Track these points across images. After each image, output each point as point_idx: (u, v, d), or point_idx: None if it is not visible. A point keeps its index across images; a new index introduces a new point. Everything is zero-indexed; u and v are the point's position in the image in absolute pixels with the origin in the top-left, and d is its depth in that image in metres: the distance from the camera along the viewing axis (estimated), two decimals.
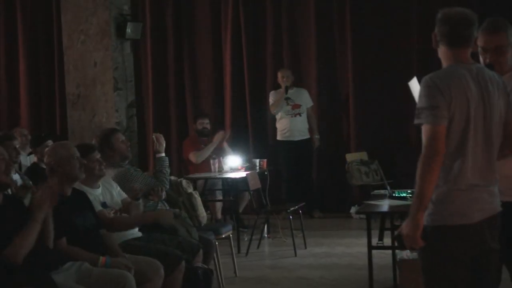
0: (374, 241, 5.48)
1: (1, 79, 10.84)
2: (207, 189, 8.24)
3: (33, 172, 6.24)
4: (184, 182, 6.15)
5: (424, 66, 8.72)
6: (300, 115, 9.28)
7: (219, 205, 8.54)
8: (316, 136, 9.41)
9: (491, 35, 3.67)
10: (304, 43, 9.78)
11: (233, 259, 6.50)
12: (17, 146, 6.03)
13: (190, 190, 6.12)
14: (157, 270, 4.43)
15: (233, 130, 9.82)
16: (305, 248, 7.53)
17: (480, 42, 3.67)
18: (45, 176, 4.50)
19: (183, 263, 4.73)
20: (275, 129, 9.52)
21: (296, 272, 6.61)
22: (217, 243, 5.90)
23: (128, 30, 9.45)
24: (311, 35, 9.69)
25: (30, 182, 5.56)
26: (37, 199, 3.86)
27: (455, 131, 3.04)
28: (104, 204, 4.84)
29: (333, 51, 9.70)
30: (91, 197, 4.66)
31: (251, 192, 7.89)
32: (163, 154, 5.83)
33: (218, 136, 8.73)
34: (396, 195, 5.49)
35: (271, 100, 9.32)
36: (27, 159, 7.52)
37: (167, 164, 5.79)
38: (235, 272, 6.47)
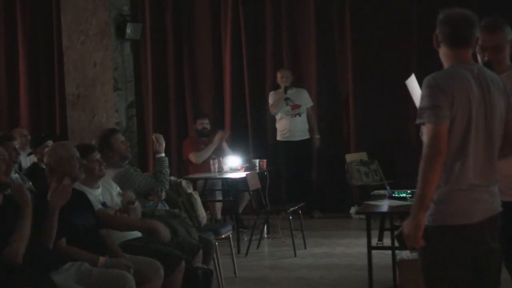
0: (374, 241, 5.48)
1: (1, 79, 10.85)
2: (207, 190, 8.24)
3: (33, 172, 6.24)
4: (183, 182, 6.15)
5: (424, 66, 8.73)
6: (300, 115, 9.28)
7: (219, 206, 8.54)
8: (317, 136, 9.41)
9: (489, 34, 3.68)
10: (304, 43, 9.79)
11: (232, 259, 6.50)
12: (17, 146, 6.03)
13: (190, 190, 6.11)
14: (157, 271, 4.43)
15: (233, 130, 9.82)
16: (305, 248, 7.54)
17: (478, 41, 3.68)
18: (45, 177, 4.50)
19: (183, 263, 4.73)
20: (274, 129, 9.52)
21: (296, 273, 6.61)
22: (216, 243, 5.90)
23: (128, 30, 9.45)
24: (311, 35, 9.70)
25: (30, 183, 5.56)
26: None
27: (457, 131, 3.04)
28: (104, 204, 4.84)
29: (332, 51, 9.70)
30: (90, 197, 4.66)
31: (251, 193, 7.90)
32: (163, 155, 5.83)
33: (218, 137, 8.73)
34: (396, 195, 5.48)
35: (270, 100, 9.32)
36: (27, 160, 7.52)
37: (167, 165, 5.79)
38: (234, 272, 6.47)
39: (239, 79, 9.97)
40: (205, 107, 10.08)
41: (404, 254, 5.45)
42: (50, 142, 6.28)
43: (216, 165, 8.33)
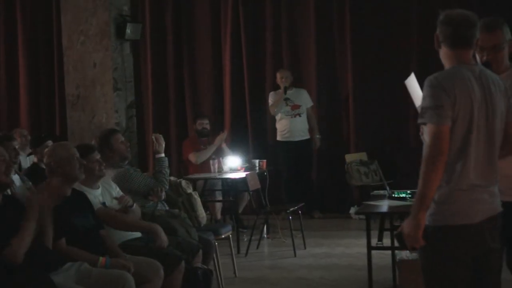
0: (374, 241, 5.47)
1: (1, 80, 10.85)
2: (207, 190, 8.25)
3: (33, 172, 6.24)
4: (183, 182, 6.15)
5: (424, 66, 8.73)
6: (300, 116, 9.28)
7: (218, 206, 8.55)
8: (317, 136, 9.41)
9: (488, 33, 3.69)
10: (304, 43, 9.79)
11: (232, 259, 6.50)
12: (17, 146, 6.02)
13: (190, 190, 6.11)
14: (157, 271, 4.43)
15: (233, 131, 9.83)
16: (305, 248, 7.54)
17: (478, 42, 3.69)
18: (45, 177, 4.51)
19: (183, 263, 4.73)
20: (274, 129, 9.52)
21: (296, 273, 6.61)
22: (216, 243, 5.90)
23: (128, 30, 9.45)
24: (311, 35, 9.70)
25: (30, 183, 5.56)
26: (36, 199, 3.86)
27: (459, 131, 3.05)
28: (103, 205, 4.84)
29: (332, 51, 9.70)
30: (90, 197, 4.67)
31: (251, 193, 7.90)
32: (163, 155, 5.83)
33: (219, 138, 8.73)
34: (396, 195, 5.48)
35: (270, 101, 9.33)
36: (26, 160, 7.52)
37: (167, 165, 5.79)
38: (234, 272, 6.47)
39: (239, 79, 9.98)
40: (205, 107, 10.08)
41: (404, 254, 5.45)
42: (50, 142, 6.28)
43: (216, 165, 8.34)
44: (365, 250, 5.29)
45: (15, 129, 8.49)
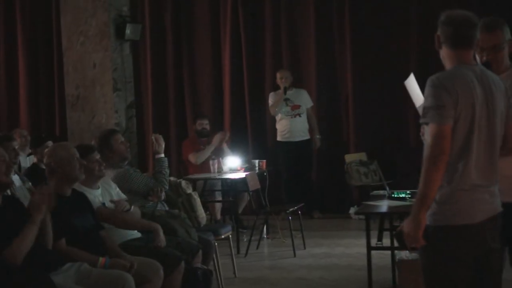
0: (373, 241, 5.48)
1: (1, 80, 10.85)
2: (207, 190, 8.25)
3: (33, 173, 6.24)
4: (183, 182, 6.15)
5: (424, 66, 8.74)
6: (300, 116, 9.28)
7: (218, 206, 8.55)
8: (317, 136, 9.41)
9: (488, 33, 3.70)
10: (304, 43, 9.79)
11: (232, 259, 6.50)
12: (16, 147, 6.02)
13: (190, 190, 6.11)
14: (157, 271, 4.43)
15: (232, 131, 9.82)
16: (304, 248, 7.54)
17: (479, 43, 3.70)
18: (45, 177, 4.51)
19: (183, 263, 4.73)
20: (274, 129, 9.52)
21: (295, 273, 6.61)
22: (216, 243, 5.90)
23: (127, 31, 9.45)
24: (311, 35, 9.70)
25: (30, 183, 5.56)
26: (35, 201, 3.86)
27: (460, 131, 3.05)
28: (103, 205, 4.84)
29: (332, 51, 9.71)
30: (90, 197, 4.67)
31: (251, 193, 7.89)
32: (163, 155, 5.83)
33: (216, 138, 8.73)
34: (395, 195, 5.48)
35: (270, 101, 9.33)
36: (26, 160, 7.52)
37: (167, 165, 5.79)
38: (234, 272, 6.48)
39: (238, 79, 9.98)
40: (205, 107, 10.08)
41: (403, 254, 5.45)
42: (50, 143, 6.29)
43: (216, 166, 8.34)
44: (364, 250, 5.29)
45: (14, 129, 8.49)
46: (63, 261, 4.06)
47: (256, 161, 8.54)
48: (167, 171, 5.76)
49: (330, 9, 9.67)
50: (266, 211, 7.78)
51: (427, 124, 3.07)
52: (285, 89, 9.16)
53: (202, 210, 6.09)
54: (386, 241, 5.94)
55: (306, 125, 9.36)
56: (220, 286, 5.95)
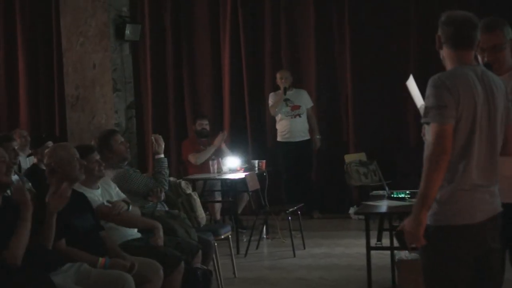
0: (373, 241, 5.49)
1: (1, 80, 10.85)
2: (206, 190, 8.26)
3: (33, 173, 6.24)
4: (183, 183, 6.15)
5: (424, 67, 8.75)
6: (300, 116, 9.28)
7: (218, 206, 8.55)
8: (318, 137, 9.42)
9: (488, 33, 3.71)
10: (303, 43, 9.79)
11: (232, 260, 6.50)
12: (16, 147, 6.03)
13: (189, 191, 6.12)
14: (157, 271, 4.43)
15: (232, 131, 9.83)
16: (304, 248, 7.54)
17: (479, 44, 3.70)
18: (45, 178, 4.51)
19: (182, 264, 4.74)
20: (273, 129, 9.53)
21: (295, 273, 6.61)
22: (216, 244, 5.91)
23: (127, 31, 9.45)
24: (310, 35, 9.71)
25: (30, 184, 5.57)
26: (20, 198, 3.88)
27: (462, 131, 3.06)
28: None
29: (332, 51, 9.71)
30: (90, 196, 4.67)
31: (250, 193, 7.90)
32: (162, 155, 5.83)
33: (218, 139, 8.73)
34: (395, 195, 5.49)
35: (270, 101, 9.33)
36: (26, 161, 7.52)
37: (166, 165, 5.79)
38: (234, 273, 6.48)
39: (238, 79, 9.98)
40: (204, 107, 10.09)
41: (403, 254, 5.46)
42: (50, 143, 6.29)
43: (215, 166, 8.34)
44: (364, 250, 5.30)
45: (14, 129, 8.49)
46: (63, 261, 4.06)
47: (256, 162, 8.54)
48: (167, 171, 5.76)
49: (330, 9, 9.67)
50: (266, 211, 7.79)
51: (428, 124, 3.08)
52: (285, 90, 9.16)
53: (202, 211, 6.10)
54: (386, 241, 5.94)
55: (306, 126, 9.36)
56: (220, 286, 5.95)
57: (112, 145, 5.52)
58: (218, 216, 8.52)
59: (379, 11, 9.43)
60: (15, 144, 6.01)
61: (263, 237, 8.02)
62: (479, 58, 3.74)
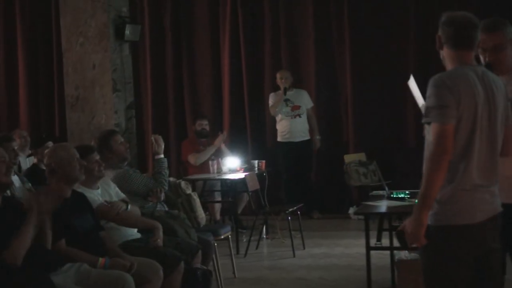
0: (373, 241, 5.49)
1: (1, 80, 10.85)
2: (206, 190, 8.26)
3: (33, 173, 6.24)
4: (183, 183, 6.16)
5: (423, 67, 8.75)
6: (300, 116, 9.28)
7: (218, 206, 8.56)
8: (317, 137, 9.41)
9: (488, 33, 3.72)
10: (303, 43, 9.79)
11: (232, 260, 6.51)
12: (16, 147, 6.03)
13: (189, 191, 6.12)
14: (156, 271, 4.44)
15: (232, 131, 9.83)
16: (304, 249, 7.54)
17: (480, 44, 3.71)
18: (45, 178, 4.51)
19: (182, 264, 4.74)
20: (273, 130, 9.53)
21: (295, 273, 6.62)
22: (215, 244, 5.91)
23: (127, 32, 9.44)
24: (310, 35, 9.71)
25: (30, 184, 5.57)
26: (36, 202, 3.87)
27: (463, 130, 3.06)
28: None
29: (331, 51, 9.71)
30: (90, 196, 4.67)
31: (250, 193, 7.90)
32: (162, 156, 5.83)
33: (218, 140, 8.73)
34: (394, 196, 5.50)
35: (270, 102, 9.33)
36: (26, 161, 7.53)
37: (166, 166, 5.79)
38: (234, 273, 6.48)
39: (237, 79, 9.99)
40: (204, 108, 10.09)
41: (403, 254, 5.46)
42: (50, 143, 6.30)
43: (215, 166, 8.35)
44: (364, 250, 5.30)
45: (15, 130, 8.49)
46: (63, 261, 4.06)
47: (256, 162, 8.55)
48: (167, 171, 5.76)
49: (330, 9, 9.67)
50: (266, 211, 7.79)
51: (429, 124, 3.08)
52: (285, 90, 9.16)
53: (202, 211, 6.10)
54: (385, 241, 5.94)
55: (306, 126, 9.36)
56: (220, 286, 5.95)
57: (112, 146, 5.52)
58: (218, 216, 8.53)
59: (379, 11, 9.43)
60: (15, 144, 6.01)
61: (263, 237, 8.03)
62: (481, 58, 3.75)
